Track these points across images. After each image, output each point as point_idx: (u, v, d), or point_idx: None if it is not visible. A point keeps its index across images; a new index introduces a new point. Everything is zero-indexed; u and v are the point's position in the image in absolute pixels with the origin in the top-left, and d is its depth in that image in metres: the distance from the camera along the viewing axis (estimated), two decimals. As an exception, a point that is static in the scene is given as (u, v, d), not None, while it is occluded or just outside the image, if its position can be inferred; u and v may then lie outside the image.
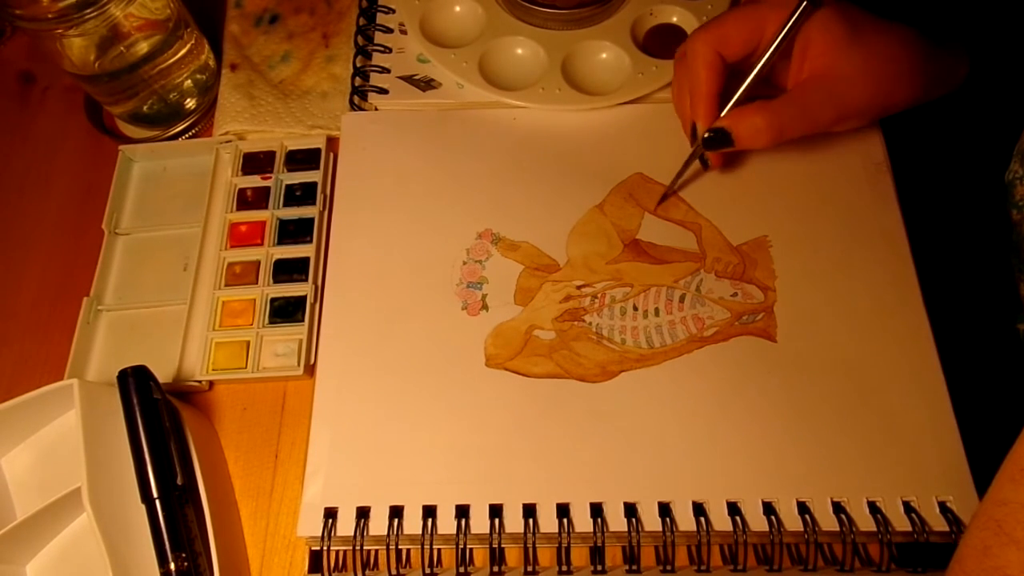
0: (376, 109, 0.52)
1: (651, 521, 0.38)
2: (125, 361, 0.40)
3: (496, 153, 0.49)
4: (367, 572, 0.39)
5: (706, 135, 0.42)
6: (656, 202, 0.46)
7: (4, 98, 0.59)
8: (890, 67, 0.40)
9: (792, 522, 0.38)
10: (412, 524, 0.39)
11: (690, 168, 0.46)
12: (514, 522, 0.39)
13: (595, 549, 0.39)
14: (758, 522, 0.38)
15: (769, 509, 0.38)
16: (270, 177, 0.50)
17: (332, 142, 0.52)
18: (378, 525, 0.39)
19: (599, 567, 0.38)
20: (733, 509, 0.38)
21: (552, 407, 0.42)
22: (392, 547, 0.38)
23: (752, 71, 0.41)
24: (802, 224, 0.46)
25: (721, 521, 0.38)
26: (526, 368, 0.43)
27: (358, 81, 0.53)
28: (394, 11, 0.54)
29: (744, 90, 0.41)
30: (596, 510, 0.39)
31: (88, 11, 0.45)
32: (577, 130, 0.50)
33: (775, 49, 0.40)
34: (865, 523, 0.38)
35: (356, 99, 0.52)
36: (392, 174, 0.49)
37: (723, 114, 0.42)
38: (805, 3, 0.39)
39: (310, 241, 0.48)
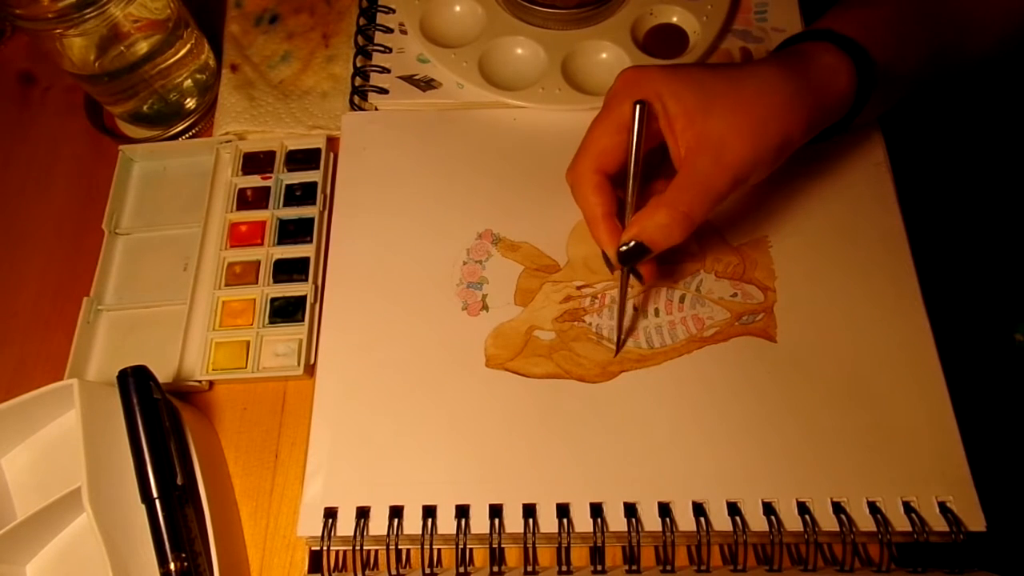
0: (376, 109, 0.52)
1: (651, 521, 0.38)
2: (125, 361, 0.40)
3: (496, 153, 0.49)
4: (367, 572, 0.39)
5: (621, 250, 0.39)
6: (616, 350, 0.43)
7: (4, 98, 0.59)
8: (758, 110, 0.37)
9: (792, 522, 0.38)
10: (412, 524, 0.39)
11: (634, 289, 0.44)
12: (514, 522, 0.39)
13: (595, 549, 0.39)
14: (758, 522, 0.38)
15: (769, 509, 0.38)
16: (270, 177, 0.50)
17: (332, 142, 0.52)
18: (378, 525, 0.39)
19: (599, 567, 0.38)
20: (733, 509, 0.38)
21: (552, 407, 0.42)
22: (392, 547, 0.38)
23: (629, 179, 0.38)
24: (802, 224, 0.46)
25: (721, 521, 0.38)
26: (526, 368, 0.43)
27: (358, 81, 0.53)
28: (394, 11, 0.54)
29: (631, 202, 0.39)
30: (596, 510, 0.39)
31: (88, 11, 0.45)
32: (577, 130, 0.49)
33: (636, 159, 0.37)
34: (865, 523, 0.38)
35: (356, 99, 0.52)
36: (392, 174, 0.49)
37: (626, 228, 0.39)
38: (637, 108, 0.36)
39: (310, 241, 0.48)
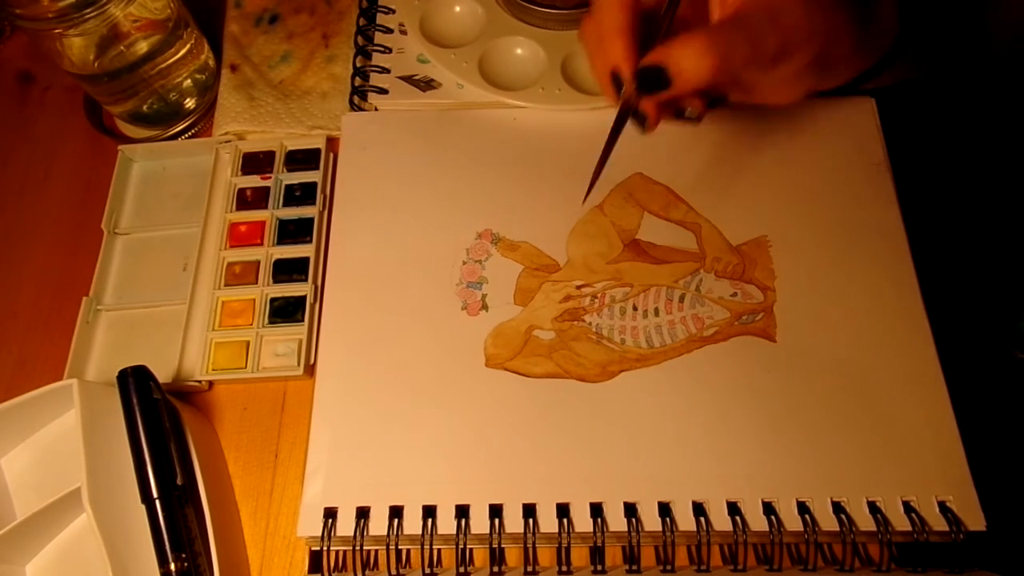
0: (376, 109, 0.52)
1: (651, 521, 0.38)
2: (125, 361, 0.40)
3: (496, 153, 0.49)
4: (367, 572, 0.39)
5: (640, 68, 0.34)
6: (585, 196, 0.40)
7: (4, 98, 0.59)
8: None
9: (792, 522, 0.38)
10: (412, 524, 0.39)
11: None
12: (514, 522, 0.39)
13: (595, 549, 0.39)
14: (758, 522, 0.38)
15: (769, 509, 0.38)
16: (270, 177, 0.50)
17: (332, 142, 0.52)
18: (378, 525, 0.39)
19: (599, 567, 0.38)
20: (733, 509, 0.38)
21: (552, 407, 0.42)
22: (392, 547, 0.38)
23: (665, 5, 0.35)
24: (802, 224, 0.46)
25: (721, 521, 0.38)
26: (526, 368, 0.43)
27: (358, 81, 0.53)
28: (394, 11, 0.54)
29: (668, 20, 0.35)
30: (596, 510, 0.39)
31: (88, 11, 0.45)
32: (577, 130, 0.50)
33: None
34: (865, 523, 0.38)
35: (356, 99, 0.52)
36: (392, 174, 0.49)
37: (652, 50, 0.34)
38: None
39: (310, 241, 0.48)
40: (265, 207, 0.50)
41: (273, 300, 0.47)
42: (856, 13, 0.37)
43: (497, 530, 0.39)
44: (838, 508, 0.38)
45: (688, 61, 0.33)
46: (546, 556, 0.40)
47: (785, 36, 0.34)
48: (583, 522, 0.39)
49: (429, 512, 0.39)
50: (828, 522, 0.38)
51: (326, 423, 0.42)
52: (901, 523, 0.38)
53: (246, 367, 0.45)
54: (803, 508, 0.38)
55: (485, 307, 0.45)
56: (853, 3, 0.37)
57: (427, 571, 0.38)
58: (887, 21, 0.39)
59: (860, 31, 0.38)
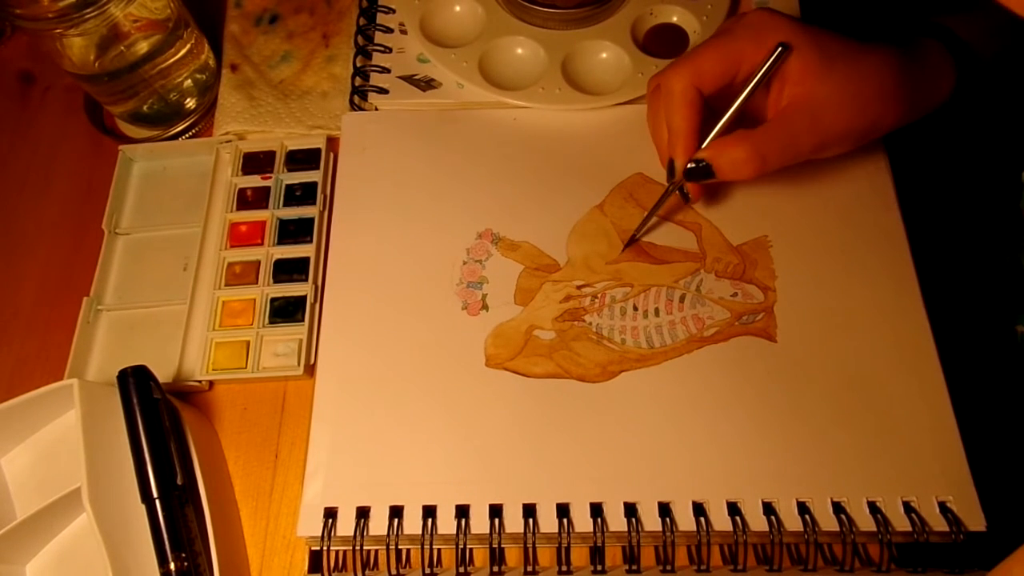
0: (376, 109, 0.52)
1: (651, 521, 0.38)
2: (125, 361, 0.40)
3: (496, 153, 0.49)
4: (367, 572, 0.39)
5: (689, 166, 0.41)
6: (623, 246, 0.45)
7: (4, 98, 0.59)
8: (867, 90, 0.39)
9: (792, 522, 0.38)
10: (412, 524, 0.39)
11: (664, 205, 0.45)
12: (514, 522, 0.39)
13: (595, 549, 0.39)
14: (758, 522, 0.38)
15: (769, 509, 0.38)
16: (270, 177, 0.50)
17: (332, 142, 0.52)
18: (378, 525, 0.39)
19: (599, 567, 0.38)
20: (733, 509, 0.38)
21: (552, 407, 0.41)
22: (392, 547, 0.38)
23: (730, 108, 0.40)
24: (802, 224, 0.46)
25: (721, 521, 0.38)
26: (526, 368, 0.43)
27: (358, 81, 0.53)
28: (394, 11, 0.54)
29: (723, 125, 0.41)
30: (596, 510, 0.39)
31: (88, 11, 0.45)
32: (577, 130, 0.50)
33: (751, 90, 0.40)
34: (865, 523, 0.38)
35: (356, 99, 0.52)
36: (392, 174, 0.49)
37: (703, 146, 0.41)
38: (780, 49, 0.39)
39: (310, 241, 0.48)
40: (265, 207, 0.50)
41: (273, 300, 0.47)
42: (904, 96, 0.40)
43: (497, 530, 0.39)
44: (838, 508, 0.38)
45: (732, 164, 0.40)
46: (546, 556, 0.40)
47: (823, 138, 0.40)
48: (583, 522, 0.39)
49: (429, 512, 0.39)
50: (828, 522, 0.38)
51: (326, 423, 0.42)
52: (901, 523, 0.38)
53: (246, 367, 0.45)
54: (803, 508, 0.38)
55: (485, 307, 0.45)
56: (904, 87, 0.40)
57: (427, 571, 0.38)
58: (938, 78, 0.42)
59: (909, 106, 0.41)
